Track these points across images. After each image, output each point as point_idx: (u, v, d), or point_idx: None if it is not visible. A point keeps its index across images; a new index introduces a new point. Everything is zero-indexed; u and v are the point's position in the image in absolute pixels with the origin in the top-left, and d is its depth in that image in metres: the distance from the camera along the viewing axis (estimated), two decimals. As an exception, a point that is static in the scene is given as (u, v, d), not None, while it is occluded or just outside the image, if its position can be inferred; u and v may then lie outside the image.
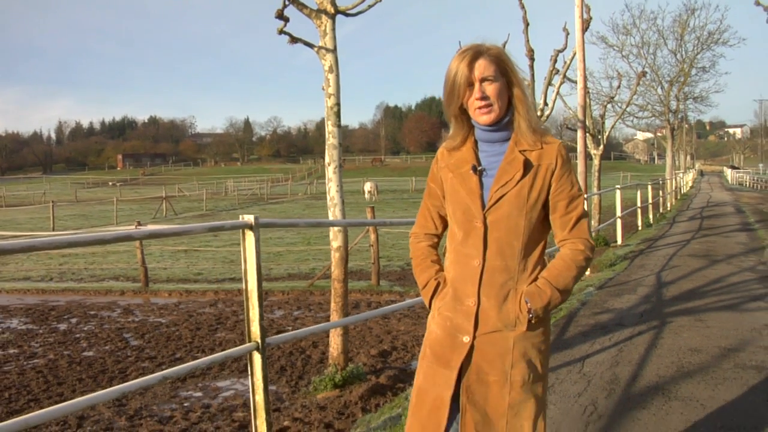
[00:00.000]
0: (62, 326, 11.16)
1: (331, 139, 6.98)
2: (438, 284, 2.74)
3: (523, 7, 12.84)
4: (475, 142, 2.70)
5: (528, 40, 12.94)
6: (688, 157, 75.08)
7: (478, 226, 2.57)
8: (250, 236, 4.06)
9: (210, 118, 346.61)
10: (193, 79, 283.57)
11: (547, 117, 13.55)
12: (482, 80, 2.52)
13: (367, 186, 49.60)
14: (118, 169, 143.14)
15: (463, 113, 2.66)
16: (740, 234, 17.24)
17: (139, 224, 14.64)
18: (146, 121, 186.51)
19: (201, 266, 17.63)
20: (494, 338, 2.55)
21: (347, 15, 7.00)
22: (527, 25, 12.85)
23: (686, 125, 59.68)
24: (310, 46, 6.89)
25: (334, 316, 7.18)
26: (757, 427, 4.40)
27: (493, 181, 2.58)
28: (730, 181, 74.58)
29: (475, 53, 2.54)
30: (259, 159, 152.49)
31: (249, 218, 3.99)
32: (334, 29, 6.88)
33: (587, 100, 14.64)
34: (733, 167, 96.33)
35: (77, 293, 14.49)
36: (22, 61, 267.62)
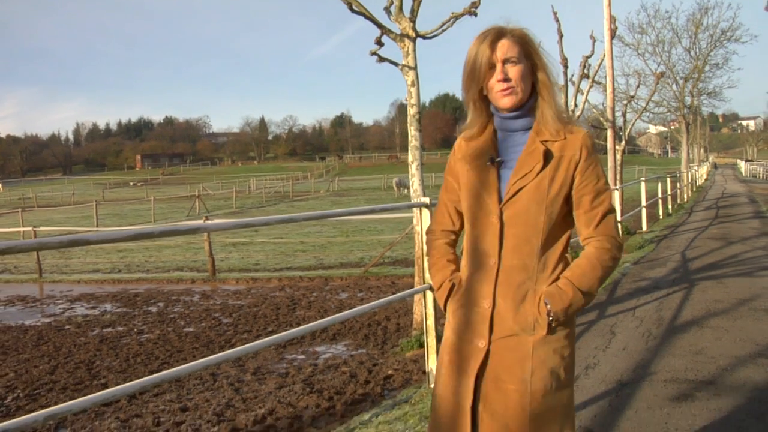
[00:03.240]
0: (153, 309, 12.60)
1: (413, 142, 8.38)
2: (453, 285, 2.62)
3: (557, 20, 14.27)
4: (495, 131, 2.58)
5: (562, 50, 14.36)
6: (702, 150, 75.91)
7: (494, 221, 2.44)
8: (426, 212, 5.86)
9: (225, 118, 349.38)
10: (206, 79, 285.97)
11: (578, 118, 14.92)
12: (505, 61, 2.39)
13: (395, 182, 51.01)
14: (137, 169, 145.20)
15: (483, 99, 2.54)
16: (753, 221, 18.80)
17: (207, 218, 16.05)
18: (162, 121, 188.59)
19: (255, 258, 19.05)
20: (512, 343, 2.42)
21: (425, 38, 8.39)
22: (561, 36, 14.27)
23: (700, 118, 60.65)
24: (395, 64, 8.28)
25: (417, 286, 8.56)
26: (766, 341, 6.42)
27: (511, 173, 2.45)
28: (743, 174, 75.40)
29: (498, 33, 2.42)
30: (276, 157, 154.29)
31: (425, 200, 5.88)
32: (414, 50, 8.27)
33: (611, 96, 16.05)
34: (746, 160, 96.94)
35: (150, 282, 15.95)
36: (37, 63, 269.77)
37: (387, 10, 8.35)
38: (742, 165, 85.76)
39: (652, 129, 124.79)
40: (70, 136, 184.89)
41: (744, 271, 10.49)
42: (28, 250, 3.05)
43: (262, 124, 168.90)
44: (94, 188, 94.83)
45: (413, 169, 8.39)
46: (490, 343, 2.43)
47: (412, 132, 8.39)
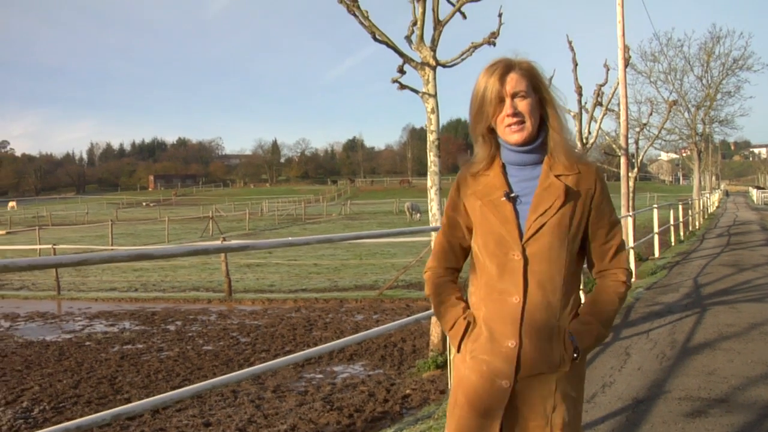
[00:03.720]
0: (171, 327, 12.80)
1: (432, 167, 8.60)
2: (468, 323, 2.54)
3: (572, 49, 14.53)
4: (503, 165, 2.53)
5: (576, 78, 14.63)
6: (714, 178, 75.90)
7: (516, 258, 2.39)
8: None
9: (238, 140, 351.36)
10: (219, 101, 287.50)
11: (592, 145, 15.16)
12: (513, 95, 2.39)
13: (408, 207, 51.25)
14: (150, 189, 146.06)
15: (491, 132, 2.51)
16: (765, 248, 18.96)
17: (224, 239, 16.28)
18: (175, 142, 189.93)
19: (270, 279, 19.25)
20: (537, 382, 2.41)
21: (445, 67, 8.64)
22: (576, 65, 14.53)
23: (711, 146, 60.74)
24: (416, 92, 8.53)
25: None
26: None
27: (529, 209, 2.41)
28: (755, 201, 75.27)
29: (506, 67, 2.41)
30: (288, 180, 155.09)
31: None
32: (435, 78, 8.51)
33: (624, 124, 16.28)
34: (758, 187, 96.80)
35: (167, 301, 16.16)
36: (52, 82, 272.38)
37: (408, 39, 8.62)
38: (754, 193, 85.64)
39: (664, 156, 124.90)
40: (84, 156, 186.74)
41: (756, 296, 10.69)
42: (87, 262, 3.26)
43: (275, 147, 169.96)
44: (107, 208, 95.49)
45: (432, 193, 8.60)
46: (515, 382, 2.39)
47: (432, 158, 8.62)
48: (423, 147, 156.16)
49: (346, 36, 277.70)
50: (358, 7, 8.21)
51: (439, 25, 8.51)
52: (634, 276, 13.84)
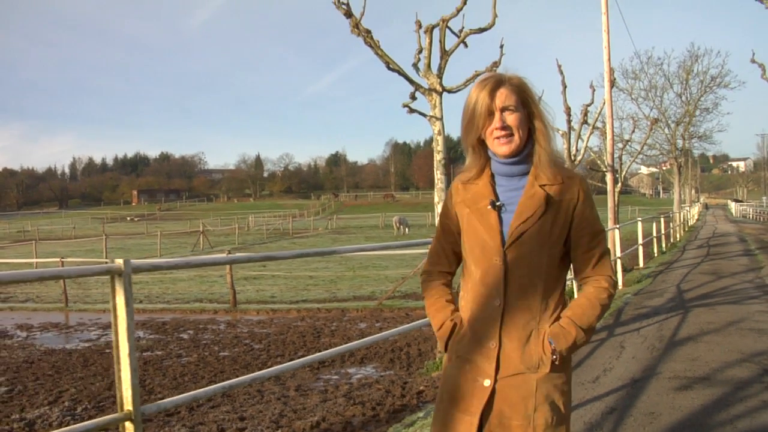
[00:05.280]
0: (184, 336, 13.47)
1: (439, 184, 9.38)
2: (455, 325, 2.68)
3: (561, 72, 15.44)
4: (492, 175, 2.65)
5: (566, 99, 15.53)
6: (693, 191, 77.20)
7: (497, 263, 2.52)
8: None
9: (221, 155, 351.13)
10: (201, 116, 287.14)
11: (579, 161, 16.04)
12: (503, 109, 2.49)
13: (395, 221, 52.05)
14: (134, 204, 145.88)
15: (481, 144, 2.63)
16: (742, 258, 20.20)
17: (229, 252, 16.96)
18: (157, 157, 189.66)
19: (270, 291, 19.95)
20: (517, 381, 2.51)
21: (450, 92, 9.45)
22: (565, 87, 15.43)
23: (691, 160, 62.06)
24: (424, 115, 9.33)
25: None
26: (751, 351, 7.86)
27: (513, 217, 2.53)
28: (734, 214, 76.53)
29: (497, 82, 2.51)
30: (271, 194, 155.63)
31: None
32: (441, 103, 9.31)
33: (611, 143, 17.23)
34: (736, 200, 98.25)
35: (174, 312, 16.80)
36: (32, 96, 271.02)
37: (415, 66, 9.43)
38: (733, 205, 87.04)
39: (644, 170, 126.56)
40: (66, 170, 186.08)
41: (733, 300, 11.82)
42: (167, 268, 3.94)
43: (258, 162, 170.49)
44: (91, 222, 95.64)
45: (439, 208, 9.39)
46: (495, 381, 2.51)
47: (438, 175, 9.39)
48: (406, 161, 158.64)
49: (325, 52, 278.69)
50: (372, 38, 9.01)
51: (445, 54, 9.32)
52: (621, 284, 14.78)
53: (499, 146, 2.52)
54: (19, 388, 9.67)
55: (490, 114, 2.51)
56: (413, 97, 9.01)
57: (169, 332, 13.92)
